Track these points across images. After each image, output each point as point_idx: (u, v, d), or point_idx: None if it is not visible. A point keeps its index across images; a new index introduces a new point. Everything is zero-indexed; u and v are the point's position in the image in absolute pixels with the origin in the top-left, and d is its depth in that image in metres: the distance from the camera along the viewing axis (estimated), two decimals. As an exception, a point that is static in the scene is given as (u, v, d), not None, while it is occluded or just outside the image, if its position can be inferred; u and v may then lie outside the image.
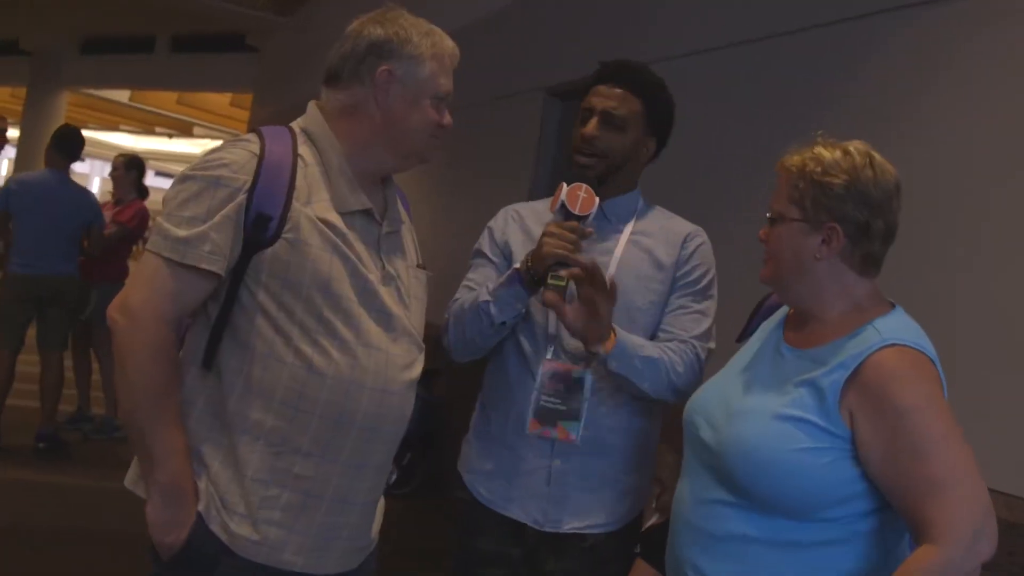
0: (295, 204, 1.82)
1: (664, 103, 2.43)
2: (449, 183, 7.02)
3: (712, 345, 2.38)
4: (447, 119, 1.99)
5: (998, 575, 2.55)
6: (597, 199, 2.23)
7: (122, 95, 17.94)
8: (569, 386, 2.30)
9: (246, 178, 1.80)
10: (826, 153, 1.81)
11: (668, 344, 2.32)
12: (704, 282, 2.41)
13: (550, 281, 2.17)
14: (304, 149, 1.90)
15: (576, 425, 2.29)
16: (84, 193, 6.28)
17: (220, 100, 16.45)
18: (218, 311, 1.83)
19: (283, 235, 1.79)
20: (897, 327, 1.77)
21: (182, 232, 1.77)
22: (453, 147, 6.95)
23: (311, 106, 1.98)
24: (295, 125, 1.96)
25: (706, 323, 2.38)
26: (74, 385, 6.63)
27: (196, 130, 20.69)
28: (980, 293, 2.88)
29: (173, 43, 14.97)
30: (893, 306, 1.85)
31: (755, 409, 1.81)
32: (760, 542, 1.77)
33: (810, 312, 1.87)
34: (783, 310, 2.01)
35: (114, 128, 23.95)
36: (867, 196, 1.78)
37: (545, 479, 2.32)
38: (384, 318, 1.89)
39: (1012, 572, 2.61)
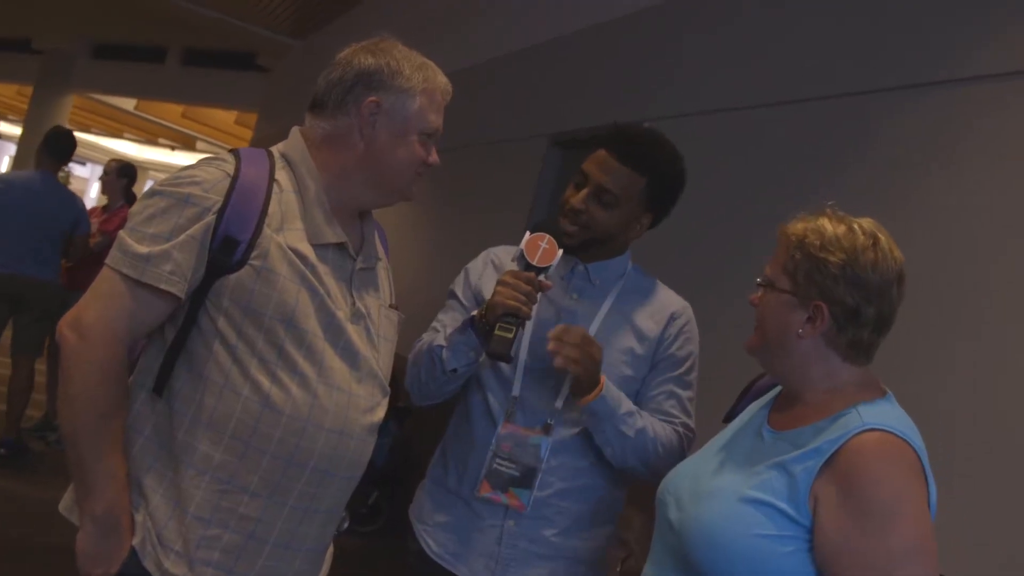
0: (266, 230, 1.74)
1: (671, 184, 2.31)
2: (444, 220, 6.97)
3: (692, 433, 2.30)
4: (434, 157, 1.91)
5: None
6: (560, 251, 2.13)
7: (128, 103, 17.91)
8: (525, 451, 2.20)
9: (217, 198, 1.72)
10: (829, 227, 1.72)
11: (656, 419, 2.23)
12: (687, 364, 2.31)
13: (497, 332, 2.07)
14: (281, 175, 1.83)
15: (527, 493, 2.19)
16: (70, 197, 6.14)
17: (225, 117, 16.45)
18: (174, 335, 1.74)
19: (250, 261, 1.71)
20: (883, 413, 1.66)
21: (143, 249, 1.69)
22: (451, 185, 6.92)
23: (294, 132, 1.90)
24: (275, 149, 1.88)
25: (691, 408, 2.30)
26: (45, 391, 6.50)
27: (199, 145, 20.66)
28: (978, 387, 2.80)
29: (184, 56, 14.96)
30: (885, 393, 1.74)
31: (721, 489, 1.70)
32: None
33: (794, 390, 1.77)
34: (774, 391, 1.90)
35: (118, 135, 23.92)
36: (862, 280, 1.68)
37: (496, 538, 2.22)
38: (350, 356, 1.80)
39: None
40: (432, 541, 2.28)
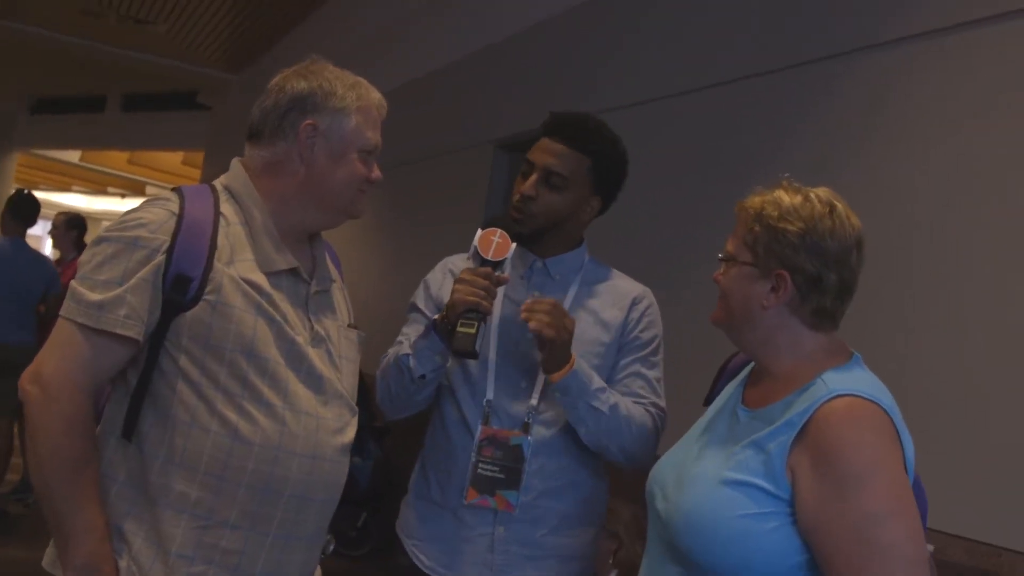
0: (217, 264, 1.74)
1: (614, 162, 2.33)
2: (398, 235, 6.98)
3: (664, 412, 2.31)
4: (376, 173, 1.91)
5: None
6: (513, 244, 2.14)
7: (73, 155, 17.74)
8: (507, 452, 2.21)
9: (164, 238, 1.72)
10: (786, 198, 1.73)
11: (628, 400, 2.25)
12: (652, 346, 2.33)
13: (459, 329, 2.08)
14: (226, 207, 1.83)
15: (515, 494, 2.20)
16: (41, 260, 6.19)
17: (172, 159, 16.33)
18: (137, 378, 1.74)
19: (204, 297, 1.71)
20: (849, 378, 1.67)
21: (96, 296, 1.69)
22: (403, 199, 6.92)
23: (234, 163, 1.91)
24: (218, 183, 1.89)
25: (660, 389, 2.31)
26: (21, 453, 6.44)
27: (148, 189, 20.48)
28: (931, 340, 2.85)
29: (124, 102, 14.82)
30: (852, 356, 1.75)
31: (702, 475, 1.71)
32: None
33: (763, 363, 1.79)
34: (748, 369, 1.91)
35: (66, 189, 23.68)
36: (821, 247, 1.69)
37: (488, 546, 2.23)
38: (313, 380, 1.81)
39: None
40: (423, 555, 2.29)
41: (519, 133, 5.28)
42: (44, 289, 5.97)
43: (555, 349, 2.12)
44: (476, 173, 5.90)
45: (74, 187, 23.46)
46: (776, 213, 1.71)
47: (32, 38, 11.74)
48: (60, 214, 6.78)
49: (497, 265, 2.13)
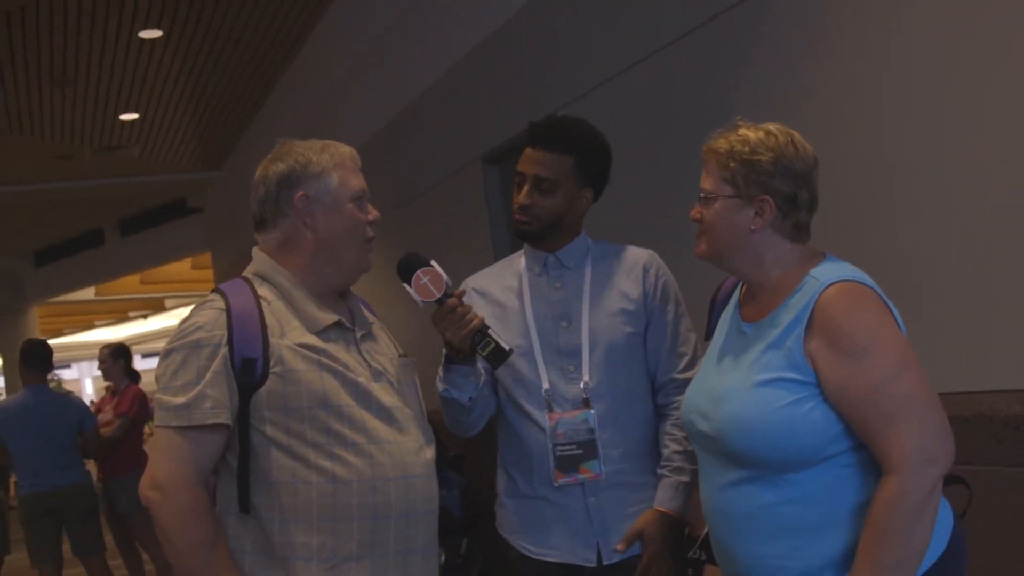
0: (272, 340, 1.95)
1: (596, 153, 2.53)
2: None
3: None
4: (372, 214, 2.11)
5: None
6: (433, 263, 2.27)
7: (87, 293, 18.08)
8: (577, 430, 2.41)
9: (221, 332, 1.93)
10: (751, 134, 1.96)
11: (672, 443, 2.47)
12: (677, 312, 2.53)
13: (484, 353, 2.27)
14: (263, 290, 2.04)
15: (595, 463, 2.41)
16: (66, 399, 6.39)
17: (181, 268, 16.60)
18: (237, 459, 1.94)
19: (271, 371, 1.92)
20: (831, 270, 1.93)
21: (180, 399, 1.90)
22: (408, 239, 7.10)
23: (255, 252, 2.12)
24: (247, 273, 2.10)
25: (692, 353, 2.52)
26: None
27: (167, 303, 20.83)
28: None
29: (121, 228, 15.12)
30: (825, 256, 2.00)
31: (735, 387, 1.94)
32: (781, 504, 1.89)
33: (756, 281, 2.02)
34: (736, 294, 2.14)
35: (89, 327, 24.07)
36: (792, 170, 1.94)
37: (586, 519, 2.43)
38: (384, 413, 2.00)
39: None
40: (529, 544, 2.48)
41: (503, 143, 5.44)
42: (78, 427, 6.16)
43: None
44: (470, 192, 6.05)
45: (96, 322, 23.85)
46: (747, 148, 1.95)
47: (16, 196, 12.04)
48: (104, 348, 7.00)
49: (446, 295, 2.27)
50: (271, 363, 1.93)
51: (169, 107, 9.25)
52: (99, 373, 7.33)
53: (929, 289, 2.99)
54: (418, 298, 2.25)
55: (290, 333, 1.98)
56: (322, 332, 2.02)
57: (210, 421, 1.90)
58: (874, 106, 3.15)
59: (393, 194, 7.33)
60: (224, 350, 1.92)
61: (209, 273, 13.95)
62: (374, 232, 2.12)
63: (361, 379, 2.00)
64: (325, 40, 7.76)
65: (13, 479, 14.76)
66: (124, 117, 9.35)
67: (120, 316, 23.15)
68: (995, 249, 2.81)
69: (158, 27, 7.18)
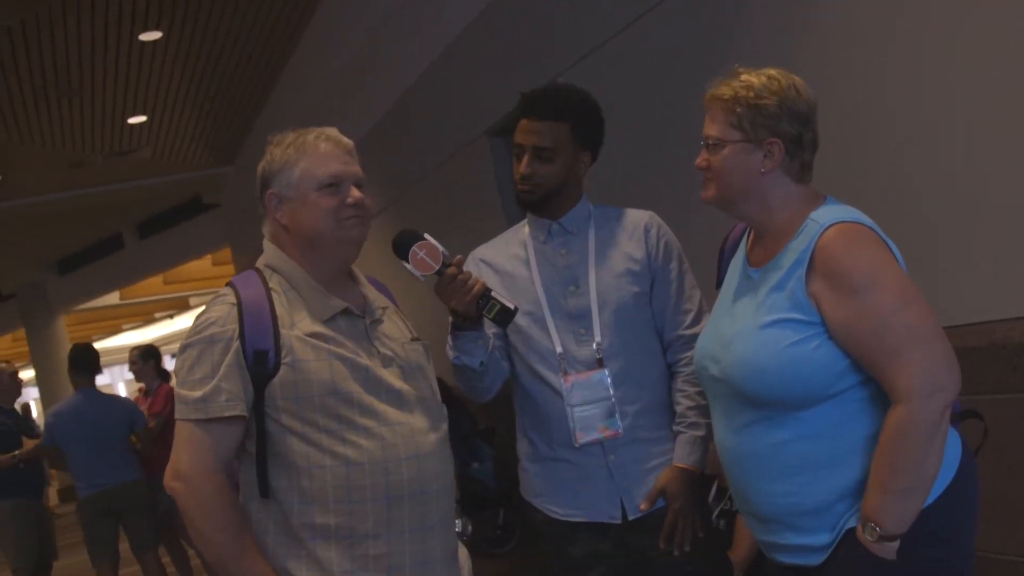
0: (283, 331, 2.01)
1: (589, 117, 2.57)
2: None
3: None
4: (352, 197, 2.10)
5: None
6: (427, 236, 2.27)
7: (112, 297, 18.26)
8: (593, 390, 2.47)
9: (233, 327, 2.00)
10: (754, 79, 2.00)
11: (685, 400, 2.52)
12: (680, 269, 2.58)
13: (488, 316, 2.30)
14: (273, 282, 2.10)
15: (613, 420, 2.47)
16: (117, 401, 6.58)
17: (202, 266, 16.72)
18: (255, 446, 2.01)
19: (282, 362, 1.98)
20: (831, 211, 1.97)
21: (198, 393, 1.97)
22: (424, 217, 7.16)
23: (265, 243, 2.18)
24: (259, 264, 2.16)
25: (698, 309, 2.56)
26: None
27: (192, 301, 20.98)
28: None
29: (139, 231, 15.25)
30: (825, 198, 2.05)
31: (742, 330, 2.00)
32: (792, 441, 1.95)
33: (763, 224, 2.06)
34: (743, 242, 2.18)
35: (117, 331, 24.30)
36: (797, 112, 1.99)
37: (608, 476, 2.49)
38: (394, 396, 2.06)
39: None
40: (555, 506, 2.54)
41: (506, 115, 5.47)
42: (129, 426, 6.30)
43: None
44: (480, 166, 6.10)
45: (123, 326, 24.06)
46: (752, 93, 1.99)
47: (34, 206, 12.19)
48: (133, 350, 7.12)
49: (444, 266, 2.28)
50: (282, 353, 1.99)
51: (176, 107, 9.32)
52: (131, 376, 7.45)
53: (940, 222, 3.02)
54: (418, 273, 2.27)
55: (300, 323, 2.04)
56: (331, 320, 2.07)
57: (226, 413, 1.97)
58: (877, 49, 3.17)
59: (403, 173, 7.37)
60: (236, 344, 1.99)
61: (230, 269, 14.05)
62: (357, 211, 2.10)
63: (370, 365, 2.05)
64: (325, 28, 7.79)
65: (56, 487, 15.04)
66: (132, 120, 9.44)
67: (146, 318, 23.35)
68: (1008, 180, 2.83)
69: (157, 28, 7.23)
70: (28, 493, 6.36)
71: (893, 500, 1.83)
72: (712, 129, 2.04)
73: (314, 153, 2.11)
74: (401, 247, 2.27)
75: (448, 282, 2.28)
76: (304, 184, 2.09)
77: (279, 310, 2.04)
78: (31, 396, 19.58)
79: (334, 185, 2.09)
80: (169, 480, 1.99)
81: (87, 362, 6.41)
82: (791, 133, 1.98)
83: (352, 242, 2.13)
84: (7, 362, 6.99)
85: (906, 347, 1.83)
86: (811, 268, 1.92)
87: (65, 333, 17.79)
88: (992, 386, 2.87)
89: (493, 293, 2.31)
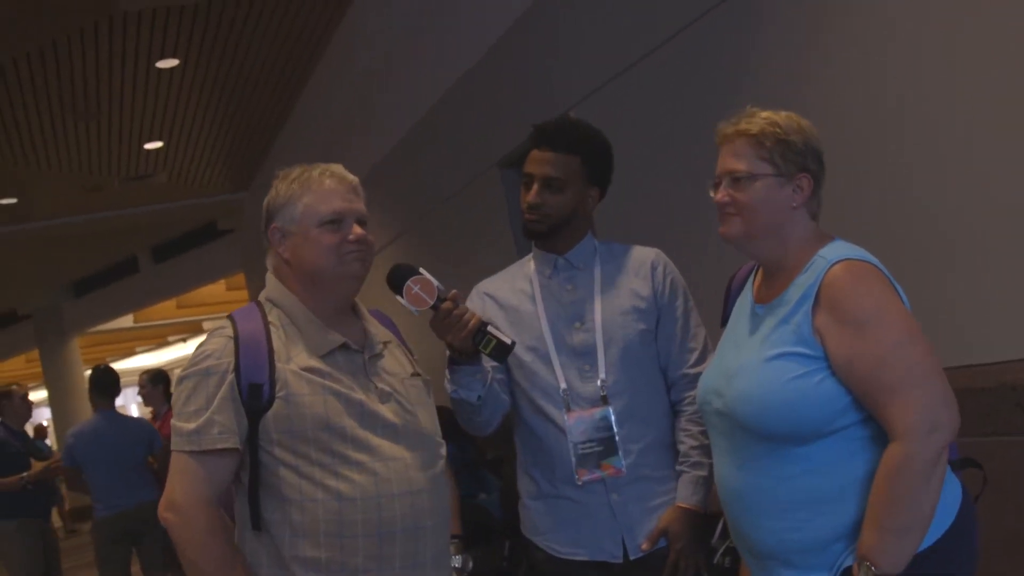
0: (278, 365, 2.01)
1: (600, 154, 2.58)
2: (445, 278, 7.17)
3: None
4: (354, 234, 2.11)
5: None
6: (422, 271, 2.25)
7: (126, 320, 18.34)
8: (596, 427, 2.46)
9: (228, 359, 2.01)
10: (775, 117, 2.03)
11: (688, 439, 2.51)
12: (686, 307, 2.58)
13: (485, 351, 2.29)
14: (272, 315, 2.11)
15: (617, 458, 2.45)
16: (137, 423, 6.68)
17: (216, 290, 16.79)
18: (248, 478, 2.01)
19: (276, 396, 1.99)
20: (839, 249, 1.99)
21: (191, 425, 1.98)
22: (435, 247, 7.17)
23: (267, 276, 2.19)
24: (261, 297, 2.17)
25: (703, 348, 2.56)
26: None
27: (205, 325, 21.03)
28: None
29: (153, 255, 15.33)
30: (833, 237, 2.06)
31: (746, 364, 2.00)
32: (800, 476, 1.94)
33: (775, 262, 2.06)
34: (749, 279, 2.19)
35: (130, 353, 24.37)
36: (815, 151, 2.04)
37: (610, 515, 2.47)
38: (390, 431, 2.06)
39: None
40: (556, 544, 2.52)
41: (518, 147, 5.49)
42: (148, 447, 6.37)
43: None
44: (492, 197, 6.11)
45: (137, 349, 24.14)
46: (779, 129, 2.01)
47: (51, 229, 12.27)
48: (143, 374, 7.16)
49: (439, 301, 2.26)
50: (277, 387, 2.00)
51: (192, 133, 9.39)
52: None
53: (952, 262, 3.00)
54: (412, 308, 2.24)
55: (296, 357, 2.05)
56: (328, 355, 2.07)
57: (219, 446, 1.97)
58: (877, 92, 3.17)
59: (415, 204, 7.39)
60: (231, 377, 2.00)
61: (244, 294, 14.10)
62: (358, 248, 2.10)
63: (365, 400, 2.05)
64: (340, 57, 7.84)
65: (68, 507, 15.02)
66: (149, 146, 9.51)
67: (160, 341, 23.43)
68: (1019, 221, 2.82)
69: (174, 56, 7.30)
70: (34, 513, 6.37)
71: (889, 539, 1.82)
72: (739, 163, 2.03)
73: (318, 189, 2.12)
74: (395, 282, 2.25)
75: (443, 317, 2.27)
76: (306, 220, 2.10)
77: (276, 344, 2.05)
78: (43, 416, 19.63)
79: (336, 222, 2.10)
80: (163, 511, 1.99)
81: (108, 384, 6.49)
82: (813, 170, 2.03)
83: (352, 278, 2.13)
84: (18, 384, 7.02)
85: (905, 384, 1.84)
86: (817, 302, 1.93)
87: (79, 355, 17.87)
88: (1000, 427, 2.84)
89: (489, 328, 2.29)
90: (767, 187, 2.01)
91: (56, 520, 14.89)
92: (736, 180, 2.03)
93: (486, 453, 6.32)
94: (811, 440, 1.92)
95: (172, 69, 7.55)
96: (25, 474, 6.27)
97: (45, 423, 18.67)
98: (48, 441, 15.95)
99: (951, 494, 1.91)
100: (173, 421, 2.04)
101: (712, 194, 2.09)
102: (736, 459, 2.03)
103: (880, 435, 1.89)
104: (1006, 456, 2.72)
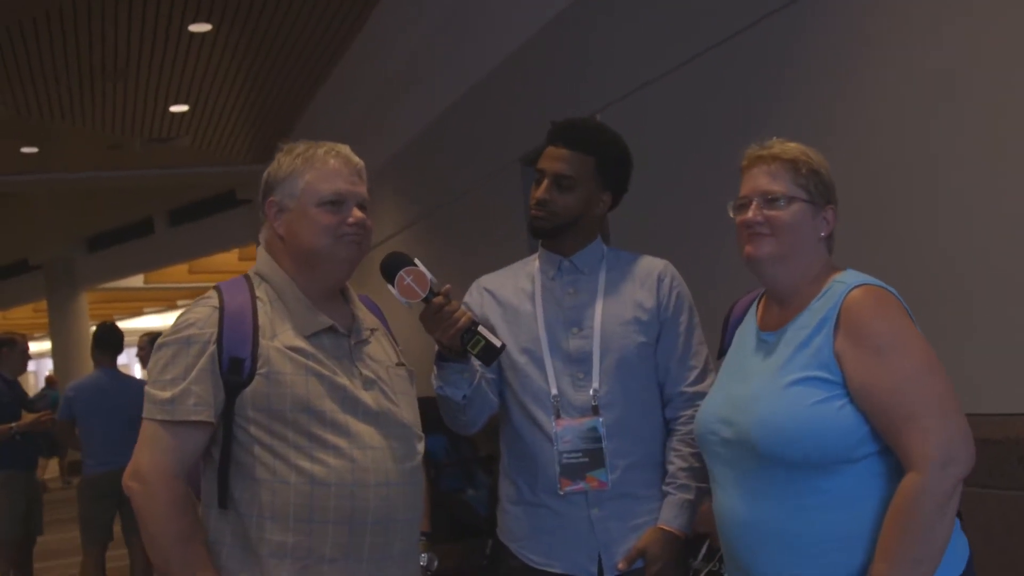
0: (262, 341, 1.95)
1: (616, 158, 2.51)
2: (448, 271, 7.14)
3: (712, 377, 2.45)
4: (353, 217, 2.05)
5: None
6: (417, 262, 2.19)
7: (137, 280, 18.36)
8: (585, 437, 2.39)
9: (212, 330, 1.95)
10: (804, 147, 2.03)
11: (678, 459, 2.43)
12: (690, 323, 2.50)
13: (474, 351, 2.21)
14: (260, 290, 2.05)
15: (603, 471, 2.38)
16: (138, 382, 6.57)
17: (229, 259, 16.77)
18: (219, 453, 1.95)
19: (257, 372, 1.93)
20: (855, 275, 1.98)
21: (167, 394, 1.92)
22: (447, 238, 7.14)
23: (258, 250, 2.13)
24: (251, 271, 2.11)
25: (703, 367, 2.49)
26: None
27: (215, 293, 21.04)
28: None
29: (170, 218, 15.36)
30: (845, 268, 2.03)
31: (763, 389, 1.94)
32: (814, 508, 1.88)
33: (789, 289, 2.02)
34: (750, 313, 2.14)
35: (138, 313, 24.42)
36: (832, 184, 2.03)
37: (588, 529, 2.40)
38: (371, 418, 2.00)
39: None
40: (531, 553, 2.45)
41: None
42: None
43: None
44: (509, 193, 6.08)
45: (145, 309, 24.19)
46: (812, 160, 2.02)
47: (70, 183, 12.29)
48: (142, 336, 7.13)
49: (431, 294, 2.19)
50: (258, 364, 1.94)
51: (219, 100, 9.35)
52: (147, 358, 7.47)
53: (960, 311, 2.94)
54: (403, 299, 2.18)
55: (281, 335, 1.99)
56: (314, 336, 2.02)
57: (192, 418, 1.92)
58: (916, 112, 3.11)
59: (432, 193, 7.36)
60: (212, 348, 1.94)
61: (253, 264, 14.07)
62: (356, 231, 2.04)
63: (349, 385, 1.99)
64: (371, 41, 7.80)
65: (49, 462, 15.00)
66: (174, 109, 9.48)
67: (168, 304, 23.44)
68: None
69: (208, 21, 7.26)
70: (20, 465, 6.34)
71: (901, 569, 1.76)
72: (776, 185, 2.00)
73: (322, 168, 2.06)
74: (388, 270, 2.18)
75: (434, 312, 2.20)
76: (306, 197, 2.04)
77: (262, 319, 1.99)
78: (46, 368, 19.67)
79: (336, 203, 2.04)
80: (127, 479, 1.93)
81: (112, 341, 6.47)
82: (835, 202, 2.03)
83: (346, 261, 2.07)
84: (21, 335, 6.99)
85: (924, 414, 1.80)
86: (837, 327, 1.90)
87: (87, 310, 17.88)
88: (1001, 482, 2.78)
89: (480, 328, 2.22)
90: (802, 211, 1.99)
91: (55, 470, 14.93)
92: (771, 200, 2.00)
93: (479, 450, 6.28)
94: (830, 469, 1.87)
95: (204, 34, 7.51)
96: (14, 424, 6.24)
97: (48, 374, 18.69)
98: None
99: (961, 547, 1.88)
100: (147, 388, 1.98)
101: (732, 214, 2.05)
102: (745, 490, 1.96)
103: (896, 471, 1.84)
104: (1011, 510, 2.67)
